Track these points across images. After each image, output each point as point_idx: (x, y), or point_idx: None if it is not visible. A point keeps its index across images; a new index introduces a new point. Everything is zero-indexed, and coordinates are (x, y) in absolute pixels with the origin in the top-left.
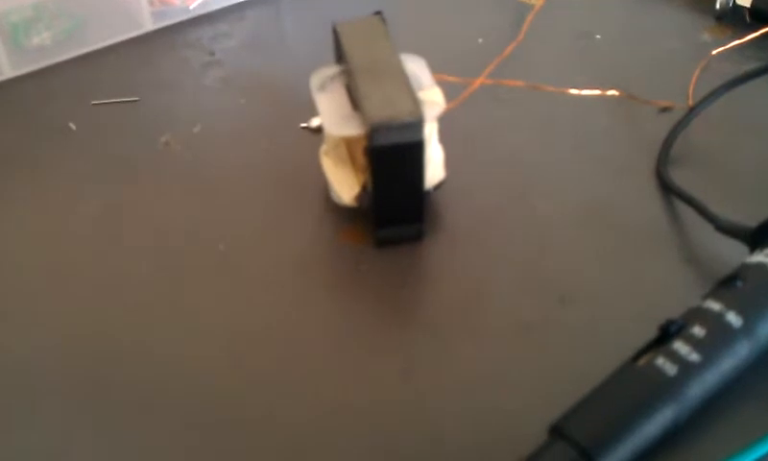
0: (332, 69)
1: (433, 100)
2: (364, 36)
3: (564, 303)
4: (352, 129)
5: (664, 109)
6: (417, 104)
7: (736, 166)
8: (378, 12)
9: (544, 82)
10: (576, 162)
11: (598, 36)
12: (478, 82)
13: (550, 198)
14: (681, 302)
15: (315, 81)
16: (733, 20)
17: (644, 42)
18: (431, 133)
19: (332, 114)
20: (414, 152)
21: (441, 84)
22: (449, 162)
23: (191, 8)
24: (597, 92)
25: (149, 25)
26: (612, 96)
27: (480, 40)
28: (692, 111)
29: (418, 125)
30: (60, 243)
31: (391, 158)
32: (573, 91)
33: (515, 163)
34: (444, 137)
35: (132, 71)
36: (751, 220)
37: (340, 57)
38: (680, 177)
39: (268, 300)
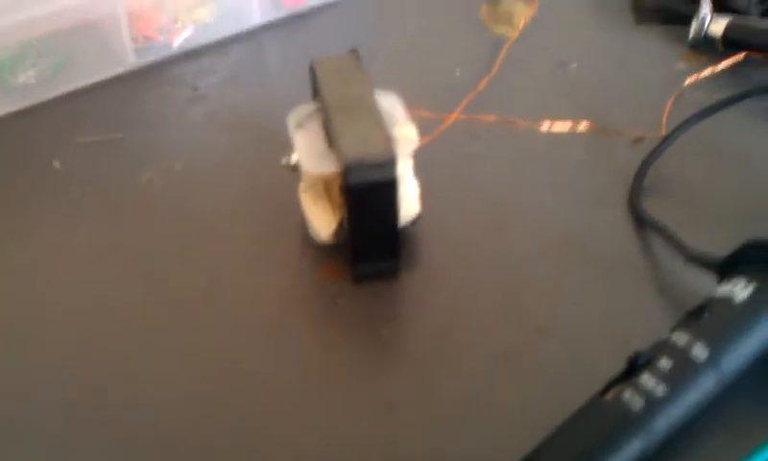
0: (309, 107)
1: (407, 136)
2: (339, 73)
3: (541, 335)
4: (328, 167)
5: (637, 140)
6: (390, 142)
7: (710, 194)
8: (354, 50)
9: (519, 115)
10: (551, 195)
11: (574, 66)
12: (452, 118)
13: (526, 230)
14: (653, 332)
15: (292, 119)
16: (707, 48)
17: (619, 71)
18: (406, 168)
19: (309, 152)
20: (388, 189)
21: (416, 119)
22: (425, 196)
23: (174, 45)
24: (569, 125)
25: (132, 62)
26: (585, 128)
27: (458, 72)
28: (664, 142)
29: (391, 163)
30: (44, 281)
31: (365, 196)
32: (546, 124)
33: (490, 196)
34: (420, 172)
35: (116, 108)
36: (725, 248)
37: (316, 94)
38: (654, 207)
39: (248, 336)
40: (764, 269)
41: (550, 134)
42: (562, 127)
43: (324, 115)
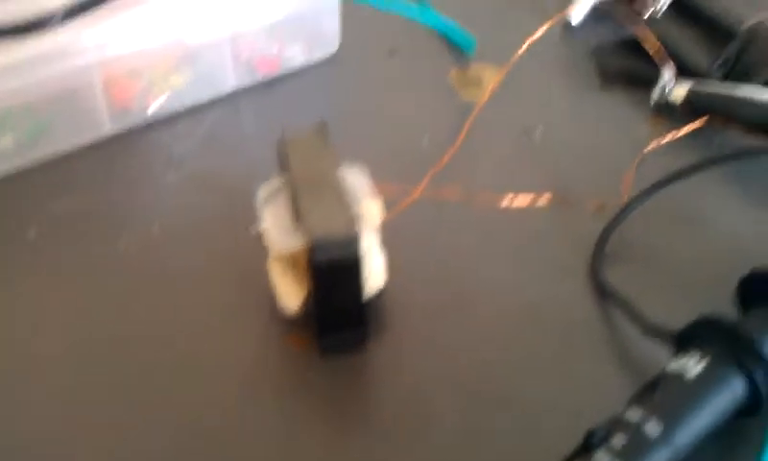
0: (278, 181)
1: (371, 213)
2: (307, 148)
3: (502, 408)
4: (293, 243)
5: (600, 208)
6: (354, 221)
7: (672, 261)
8: (322, 123)
9: (484, 186)
10: (513, 266)
11: (539, 131)
12: (416, 192)
13: (489, 301)
14: (613, 404)
15: (262, 194)
16: (670, 112)
17: (584, 136)
18: (371, 242)
19: (276, 228)
20: (352, 267)
21: (381, 193)
22: (392, 268)
23: (150, 111)
24: (530, 198)
25: (109, 129)
26: (546, 201)
27: (426, 140)
28: (624, 210)
29: (354, 242)
30: (19, 352)
31: (330, 273)
32: (507, 199)
33: (455, 267)
34: (387, 244)
35: (91, 175)
36: (686, 317)
37: (284, 168)
38: (616, 275)
39: (216, 408)
40: (716, 345)
41: (513, 207)
42: (523, 200)
43: (292, 191)
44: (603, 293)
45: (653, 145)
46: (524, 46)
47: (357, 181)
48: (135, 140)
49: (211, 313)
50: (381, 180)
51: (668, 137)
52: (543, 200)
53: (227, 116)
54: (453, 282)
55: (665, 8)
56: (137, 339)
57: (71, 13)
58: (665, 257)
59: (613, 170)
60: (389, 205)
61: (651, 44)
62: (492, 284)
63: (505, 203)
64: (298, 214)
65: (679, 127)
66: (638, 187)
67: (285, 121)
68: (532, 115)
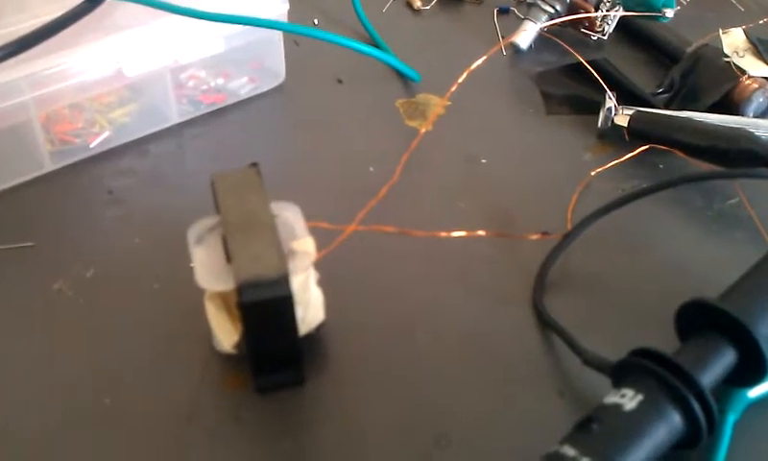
0: (211, 220)
1: (305, 250)
2: (238, 189)
3: (441, 445)
4: (224, 284)
5: (544, 235)
6: (283, 260)
7: (614, 290)
8: (254, 164)
9: (425, 216)
10: (456, 296)
11: (483, 160)
12: (350, 229)
13: (430, 333)
14: (554, 437)
15: (193, 233)
16: (614, 138)
17: (528, 164)
18: (307, 279)
19: (206, 268)
20: (283, 306)
21: (316, 231)
22: (330, 302)
23: (91, 146)
24: (463, 234)
25: (48, 166)
26: (484, 235)
27: (371, 169)
28: (566, 239)
29: (284, 281)
30: None
31: (261, 313)
32: (443, 235)
33: (396, 300)
34: (325, 278)
35: (30, 213)
36: (626, 346)
37: (217, 206)
38: (558, 304)
39: (152, 452)
40: (652, 377)
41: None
42: (458, 234)
43: (224, 231)
44: (544, 322)
45: (596, 171)
46: (465, 73)
47: (291, 217)
48: (76, 177)
49: (148, 357)
50: (322, 213)
51: (611, 164)
52: (483, 231)
53: (170, 150)
54: (393, 315)
55: (611, 30)
56: (71, 384)
57: (7, 52)
58: (608, 285)
59: (558, 197)
60: (326, 240)
61: (591, 70)
62: (432, 315)
63: (443, 234)
64: (228, 254)
65: (622, 153)
66: (582, 215)
67: (230, 154)
68: (476, 144)
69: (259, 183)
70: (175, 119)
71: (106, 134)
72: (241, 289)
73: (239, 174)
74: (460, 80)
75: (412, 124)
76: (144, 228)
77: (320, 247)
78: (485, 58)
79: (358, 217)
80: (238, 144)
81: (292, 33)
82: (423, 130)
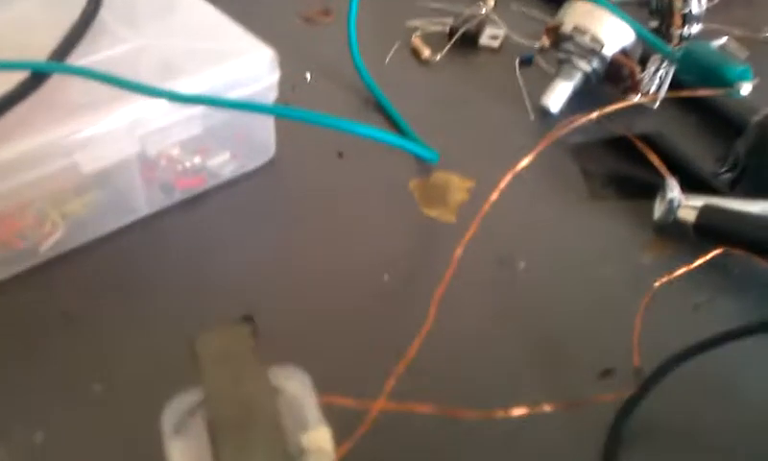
0: (192, 398)
1: (320, 447)
2: (228, 359)
3: None
4: None
5: (606, 374)
6: None
7: (705, 448)
8: (248, 318)
9: (463, 386)
10: None
11: (522, 265)
12: (376, 406)
13: None
14: None
15: (169, 418)
16: (674, 232)
17: (576, 269)
18: None
19: None
20: None
21: (331, 411)
22: None
23: (42, 249)
24: (524, 412)
25: None
26: (550, 409)
27: (386, 277)
28: (641, 392)
29: None
30: None
31: None
32: (500, 413)
33: None
34: None
35: None
36: None
37: (201, 383)
38: None
39: None
40: None
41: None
42: (519, 412)
43: (210, 422)
44: None
45: (661, 281)
46: (509, 175)
47: (299, 393)
48: (22, 293)
49: None
50: (331, 364)
51: (680, 271)
52: (549, 405)
53: (139, 252)
54: None
55: (663, 95)
56: None
57: None
58: (698, 442)
59: (617, 316)
60: (344, 418)
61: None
62: None
63: (500, 413)
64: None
65: (688, 253)
66: (651, 341)
67: (212, 255)
68: (510, 240)
69: (255, 351)
70: (144, 210)
71: (59, 234)
72: None
73: (228, 335)
74: (502, 184)
75: (431, 213)
76: (107, 367)
77: (337, 432)
78: (533, 155)
79: (386, 387)
80: (222, 240)
81: (282, 117)
82: (446, 220)
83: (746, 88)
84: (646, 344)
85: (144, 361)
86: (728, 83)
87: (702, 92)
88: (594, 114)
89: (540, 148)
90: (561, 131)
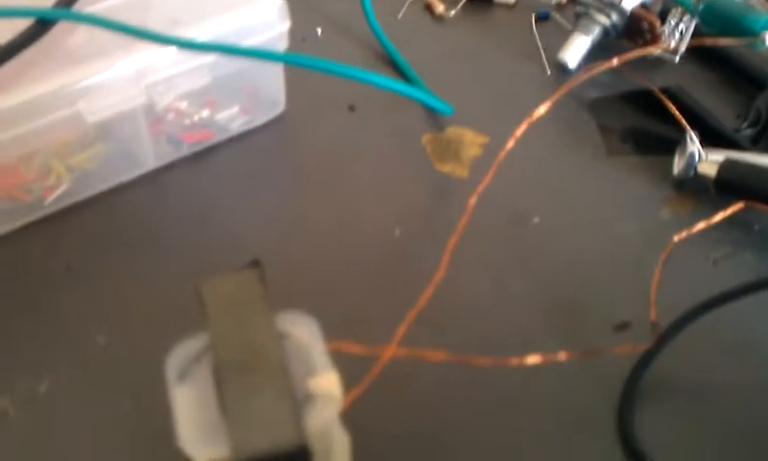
0: (197, 343)
1: (328, 392)
2: (234, 303)
3: None
4: (217, 447)
5: (622, 328)
6: (300, 425)
7: (721, 405)
8: (255, 263)
9: (475, 334)
10: (520, 434)
11: (536, 220)
12: (387, 353)
13: None
14: None
15: (173, 364)
16: (696, 187)
17: (593, 224)
18: (330, 425)
19: (192, 422)
20: None
21: (340, 356)
22: (361, 450)
23: (47, 202)
24: (538, 360)
25: None
26: (564, 358)
27: (397, 232)
28: (656, 348)
29: (302, 455)
30: None
31: None
32: (515, 361)
33: (445, 445)
34: (352, 417)
35: None
36: None
37: (206, 326)
38: (649, 426)
39: None
40: None
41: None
42: (533, 360)
43: (215, 367)
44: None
45: (681, 236)
46: (525, 124)
47: (306, 338)
48: (27, 247)
49: None
50: (342, 312)
51: (699, 226)
52: (564, 353)
53: (146, 206)
54: None
55: (683, 49)
56: None
57: None
58: (712, 400)
59: (634, 270)
60: (353, 365)
61: (668, 103)
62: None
63: (514, 361)
64: (222, 406)
65: (708, 208)
66: (668, 296)
67: (220, 210)
68: (525, 196)
69: (262, 295)
70: (151, 164)
71: (64, 187)
72: None
73: (235, 280)
74: (518, 132)
75: (443, 168)
76: (111, 320)
77: (346, 379)
78: (549, 103)
79: (397, 333)
80: (230, 196)
81: (293, 64)
82: (459, 175)
83: None
84: (663, 299)
85: (148, 314)
86: (752, 33)
87: (724, 41)
88: (614, 61)
89: (557, 96)
90: (579, 79)
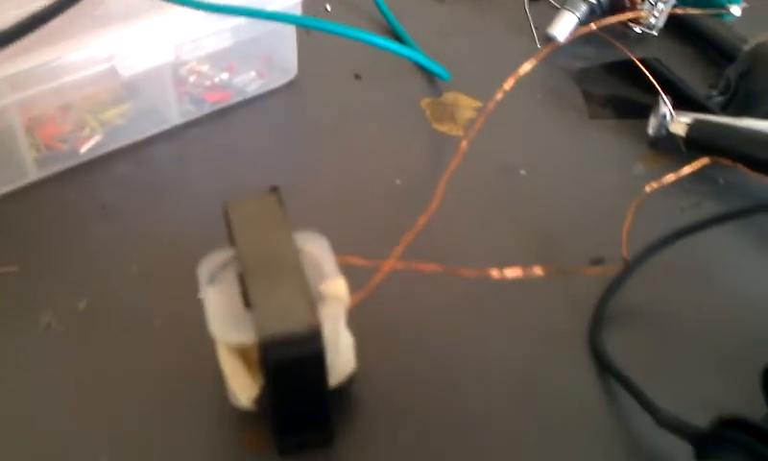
0: (224, 254)
1: (336, 294)
2: (257, 221)
3: None
4: (243, 334)
5: (596, 262)
6: (314, 312)
7: (680, 328)
8: (274, 189)
9: (464, 247)
10: (502, 339)
11: (523, 172)
12: (387, 265)
13: (477, 385)
14: None
15: (204, 270)
16: (668, 147)
17: (573, 176)
18: (338, 325)
19: (221, 315)
20: (313, 364)
21: (347, 268)
22: (362, 351)
23: (81, 152)
24: (519, 274)
25: (33, 174)
26: (540, 273)
27: (398, 181)
28: (625, 272)
29: (315, 337)
30: None
31: (288, 372)
32: (495, 272)
33: (436, 347)
34: (356, 323)
35: (11, 232)
36: (699, 397)
37: (232, 241)
38: (619, 344)
39: None
40: (744, 452)
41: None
42: (513, 273)
43: (241, 270)
44: (605, 368)
45: (652, 187)
46: (512, 79)
47: (318, 252)
48: (64, 188)
49: (152, 408)
50: (349, 240)
51: (668, 179)
52: (540, 268)
53: (171, 156)
54: (434, 364)
55: (661, 25)
56: (61, 439)
57: None
58: (673, 322)
59: (610, 217)
60: (359, 278)
61: (644, 70)
62: (479, 364)
63: (495, 273)
64: (247, 300)
65: (679, 165)
66: (639, 237)
67: (238, 161)
68: (513, 151)
69: (281, 214)
70: (175, 120)
71: (97, 138)
72: (265, 347)
73: (257, 202)
74: (507, 86)
75: (440, 128)
76: (142, 250)
77: (352, 286)
78: (533, 62)
79: (396, 252)
80: (246, 150)
81: (305, 27)
82: (455, 133)
83: (737, 10)
84: (635, 239)
85: (175, 247)
86: (720, 4)
87: (693, 11)
88: (592, 25)
89: (543, 54)
90: (564, 42)
